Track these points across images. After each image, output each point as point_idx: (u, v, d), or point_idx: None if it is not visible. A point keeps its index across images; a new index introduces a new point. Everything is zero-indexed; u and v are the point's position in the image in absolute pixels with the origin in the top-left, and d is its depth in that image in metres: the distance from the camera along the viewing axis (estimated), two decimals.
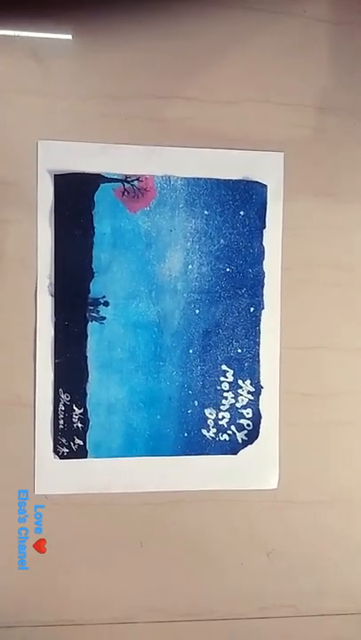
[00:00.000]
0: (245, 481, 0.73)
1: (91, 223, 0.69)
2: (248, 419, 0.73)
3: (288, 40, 0.72)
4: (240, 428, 0.73)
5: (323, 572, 0.75)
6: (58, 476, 0.70)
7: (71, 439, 0.70)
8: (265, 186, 0.72)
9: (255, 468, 0.73)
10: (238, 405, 0.72)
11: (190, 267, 0.71)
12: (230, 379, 0.72)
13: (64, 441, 0.70)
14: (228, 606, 0.73)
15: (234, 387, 0.72)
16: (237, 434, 0.72)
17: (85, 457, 0.70)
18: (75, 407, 0.70)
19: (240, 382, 0.72)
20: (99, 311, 0.70)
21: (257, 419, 0.73)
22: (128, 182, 0.70)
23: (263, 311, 0.72)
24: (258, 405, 0.73)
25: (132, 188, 0.70)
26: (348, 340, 0.75)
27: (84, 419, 0.70)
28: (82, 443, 0.70)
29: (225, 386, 0.72)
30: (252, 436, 0.73)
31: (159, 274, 0.71)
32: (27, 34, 0.68)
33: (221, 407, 0.72)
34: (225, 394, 0.72)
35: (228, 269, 0.72)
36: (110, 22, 0.69)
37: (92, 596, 0.71)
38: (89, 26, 0.69)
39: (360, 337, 0.75)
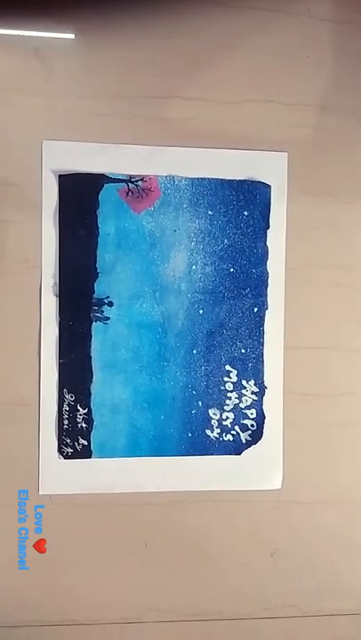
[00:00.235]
0: (249, 481, 0.73)
1: (95, 223, 0.69)
2: (252, 419, 0.73)
3: (290, 40, 0.72)
4: (244, 428, 0.73)
5: (326, 572, 0.75)
6: (62, 476, 0.70)
7: (75, 439, 0.70)
8: (269, 186, 0.72)
9: (259, 468, 0.73)
10: (242, 406, 0.72)
11: (194, 267, 0.71)
12: (234, 379, 0.72)
13: (68, 441, 0.70)
14: (231, 606, 0.73)
15: (238, 387, 0.72)
16: (241, 434, 0.72)
17: (90, 457, 0.70)
18: (79, 407, 0.70)
19: (244, 382, 0.72)
20: (103, 311, 0.70)
21: (261, 419, 0.73)
22: (132, 182, 0.70)
23: (267, 311, 0.72)
24: (262, 406, 0.73)
25: (136, 188, 0.70)
26: (352, 340, 0.75)
27: (89, 419, 0.70)
28: (86, 443, 0.70)
29: (229, 386, 0.72)
30: (256, 436, 0.73)
31: (163, 274, 0.71)
32: (29, 33, 0.68)
33: (225, 407, 0.72)
34: (229, 394, 0.72)
35: (231, 269, 0.72)
36: (113, 22, 0.69)
37: (97, 596, 0.71)
38: (92, 25, 0.69)
39: None
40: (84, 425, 0.70)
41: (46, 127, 0.69)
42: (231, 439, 0.72)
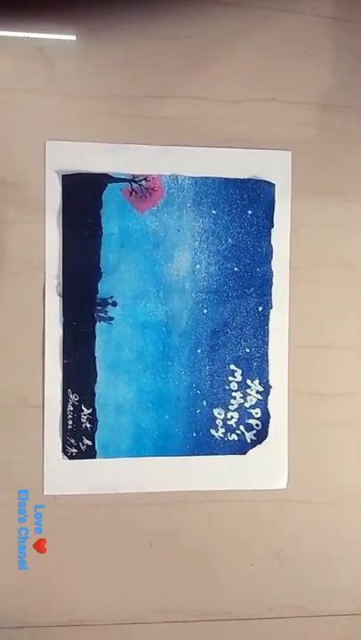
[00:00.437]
0: (254, 481, 0.73)
1: (98, 223, 0.69)
2: (257, 418, 0.72)
3: (294, 38, 0.72)
4: (249, 427, 0.72)
5: (332, 571, 0.75)
6: (66, 477, 0.70)
7: (80, 439, 0.70)
8: (273, 185, 0.71)
9: (264, 467, 0.72)
10: (247, 405, 0.72)
11: (198, 266, 0.71)
12: (239, 378, 0.72)
13: (73, 441, 0.70)
14: (237, 606, 0.73)
15: (242, 386, 0.72)
16: (246, 434, 0.72)
17: (94, 457, 0.70)
18: (83, 407, 0.70)
19: (249, 382, 0.72)
20: (107, 311, 0.70)
21: (266, 418, 0.72)
22: (136, 182, 0.70)
23: (272, 310, 0.72)
24: (267, 405, 0.72)
25: (139, 187, 0.70)
26: (358, 338, 0.74)
27: (93, 419, 0.70)
28: (90, 443, 0.70)
29: (233, 385, 0.72)
30: (261, 435, 0.72)
31: (167, 274, 0.71)
32: (32, 35, 0.68)
33: (230, 407, 0.72)
34: (233, 393, 0.72)
35: (236, 269, 0.72)
36: (114, 22, 0.69)
37: (101, 596, 0.71)
38: (93, 26, 0.69)
39: None
40: (88, 425, 0.70)
41: (49, 127, 0.69)
42: (236, 439, 0.72)
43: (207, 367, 0.71)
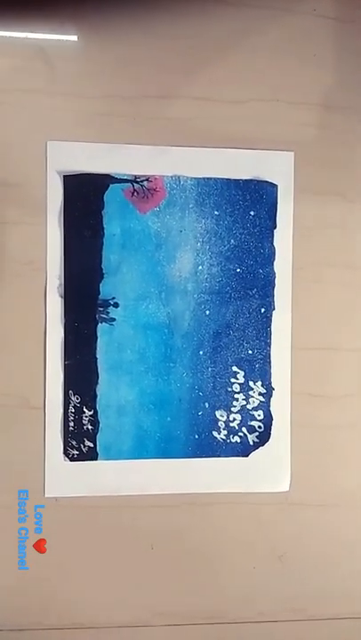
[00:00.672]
0: (257, 483, 0.72)
1: (100, 224, 0.69)
2: (259, 420, 0.72)
3: (296, 38, 0.71)
4: (251, 429, 0.72)
5: (335, 574, 0.74)
6: (68, 479, 0.69)
7: (81, 441, 0.69)
8: (275, 185, 0.71)
9: (267, 470, 0.72)
10: (249, 407, 0.72)
11: (200, 267, 0.71)
12: (241, 380, 0.72)
13: (74, 443, 0.69)
14: (240, 609, 0.73)
15: (245, 388, 0.72)
16: (249, 436, 0.72)
17: (95, 459, 0.70)
18: (85, 409, 0.69)
19: (251, 384, 0.72)
20: (108, 312, 0.70)
21: (268, 420, 0.72)
22: (137, 183, 0.69)
23: (274, 312, 0.72)
24: (269, 407, 0.72)
25: (141, 188, 0.69)
26: None
27: (95, 421, 0.70)
28: (92, 445, 0.70)
29: (236, 387, 0.72)
30: (264, 437, 0.72)
31: (169, 275, 0.70)
32: (33, 35, 0.68)
33: (232, 409, 0.72)
34: (236, 395, 0.72)
35: (238, 270, 0.71)
36: (115, 22, 0.69)
37: (102, 598, 0.71)
38: (94, 26, 0.69)
39: None
40: (89, 427, 0.70)
41: (51, 128, 0.68)
42: (238, 441, 0.72)
43: (209, 369, 0.71)
